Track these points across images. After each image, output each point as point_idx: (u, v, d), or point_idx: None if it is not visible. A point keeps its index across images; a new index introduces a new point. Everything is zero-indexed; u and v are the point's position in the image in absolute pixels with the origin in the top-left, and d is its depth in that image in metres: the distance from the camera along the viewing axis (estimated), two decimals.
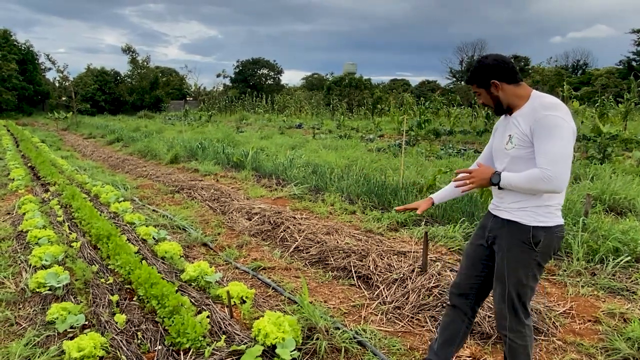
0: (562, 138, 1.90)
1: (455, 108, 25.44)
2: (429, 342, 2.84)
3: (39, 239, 4.55)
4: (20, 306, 3.38)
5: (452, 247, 4.62)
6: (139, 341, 2.81)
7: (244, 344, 2.68)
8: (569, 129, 1.94)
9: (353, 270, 4.02)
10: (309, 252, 4.55)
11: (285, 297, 3.60)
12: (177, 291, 3.33)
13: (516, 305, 2.13)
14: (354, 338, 2.92)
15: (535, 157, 1.98)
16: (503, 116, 2.22)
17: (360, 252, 4.25)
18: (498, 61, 2.07)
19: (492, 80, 2.08)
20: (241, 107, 42.44)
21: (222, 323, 2.96)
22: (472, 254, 2.34)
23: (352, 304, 3.54)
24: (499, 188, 2.09)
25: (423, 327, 3.17)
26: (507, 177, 2.03)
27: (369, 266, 3.98)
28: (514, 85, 2.07)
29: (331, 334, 2.88)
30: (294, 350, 2.62)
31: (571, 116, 1.98)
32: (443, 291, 3.41)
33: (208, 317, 2.96)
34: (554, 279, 3.93)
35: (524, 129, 2.00)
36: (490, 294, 2.38)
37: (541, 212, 2.04)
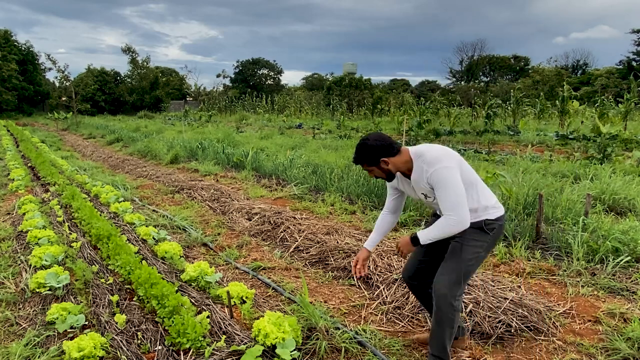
0: (450, 185, 2.24)
1: (455, 108, 25.50)
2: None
3: (39, 239, 4.55)
4: (20, 306, 3.38)
5: None
6: (139, 341, 2.81)
7: (244, 344, 2.68)
8: (453, 171, 2.26)
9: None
10: (309, 252, 4.55)
11: (285, 297, 3.60)
12: (177, 291, 3.33)
13: (461, 281, 2.41)
14: (354, 338, 2.92)
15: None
16: (400, 176, 2.52)
17: None
18: (380, 141, 2.37)
19: (381, 159, 2.37)
20: (241, 107, 42.53)
21: (222, 323, 2.96)
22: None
23: (352, 304, 3.54)
24: (422, 246, 2.43)
25: (423, 327, 3.17)
26: (424, 235, 2.37)
27: (369, 266, 3.98)
28: (398, 156, 2.39)
29: (331, 334, 2.88)
30: (294, 350, 2.62)
31: (447, 150, 2.36)
32: None
33: (208, 317, 2.96)
34: (554, 279, 3.93)
35: (425, 186, 2.35)
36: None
37: (483, 214, 2.41)
